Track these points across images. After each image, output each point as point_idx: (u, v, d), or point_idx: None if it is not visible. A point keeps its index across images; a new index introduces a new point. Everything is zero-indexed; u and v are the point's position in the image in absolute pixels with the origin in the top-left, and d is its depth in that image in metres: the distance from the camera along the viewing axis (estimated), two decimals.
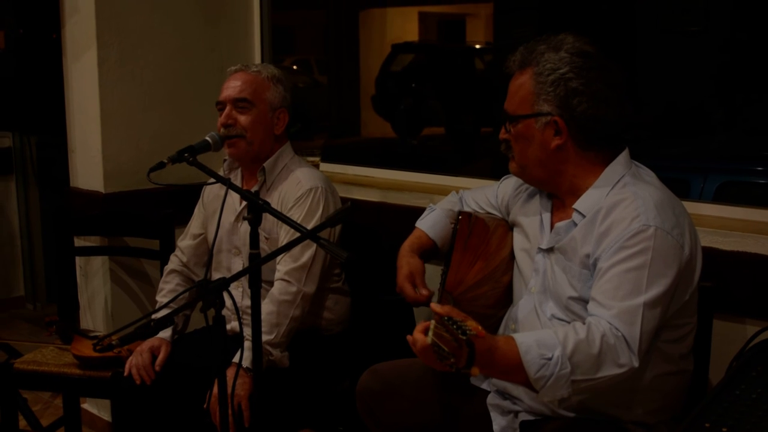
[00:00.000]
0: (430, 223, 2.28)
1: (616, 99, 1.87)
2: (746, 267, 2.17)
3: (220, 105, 2.59)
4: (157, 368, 2.53)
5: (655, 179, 1.91)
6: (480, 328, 1.54)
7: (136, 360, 2.53)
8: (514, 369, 1.66)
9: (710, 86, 2.96)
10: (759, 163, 2.89)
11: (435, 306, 1.63)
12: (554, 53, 1.87)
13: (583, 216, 1.86)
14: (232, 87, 2.58)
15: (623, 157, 1.91)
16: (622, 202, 1.81)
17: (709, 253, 2.07)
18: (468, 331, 1.51)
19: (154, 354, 2.56)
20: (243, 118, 2.55)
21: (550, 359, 1.65)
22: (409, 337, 1.71)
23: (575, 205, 1.89)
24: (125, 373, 2.54)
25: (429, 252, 2.26)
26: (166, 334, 2.60)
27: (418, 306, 2.18)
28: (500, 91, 2.01)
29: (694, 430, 1.42)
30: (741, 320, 2.19)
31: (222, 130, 2.54)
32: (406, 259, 2.20)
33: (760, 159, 2.89)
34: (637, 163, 1.94)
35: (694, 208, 2.36)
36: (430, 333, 1.59)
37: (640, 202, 1.79)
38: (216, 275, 2.70)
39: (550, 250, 1.94)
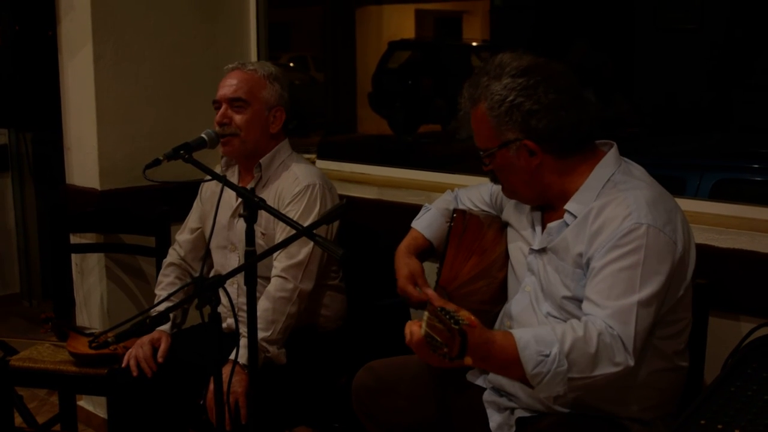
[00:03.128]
0: (426, 223, 2.28)
1: (572, 99, 1.86)
2: (741, 264, 2.17)
3: (217, 104, 2.60)
4: (159, 359, 2.52)
5: (646, 175, 1.91)
6: (473, 318, 1.55)
7: (137, 352, 2.53)
8: (511, 364, 1.66)
9: (707, 84, 2.96)
10: (755, 160, 2.90)
11: (433, 295, 1.63)
12: (497, 82, 1.87)
13: (575, 216, 1.86)
14: (228, 86, 2.58)
15: (612, 154, 1.91)
16: (613, 201, 1.81)
17: (705, 250, 2.07)
18: (460, 321, 1.53)
19: (154, 346, 2.55)
20: (238, 118, 2.56)
21: (547, 356, 1.65)
22: (405, 328, 1.71)
23: (566, 206, 1.89)
24: (123, 365, 2.53)
25: (425, 252, 2.26)
26: (165, 327, 2.60)
27: (421, 309, 2.18)
28: None
29: (689, 426, 1.42)
30: (736, 317, 2.19)
31: (217, 128, 2.55)
32: (405, 261, 2.19)
33: (756, 157, 2.89)
34: (626, 159, 1.94)
35: (689, 205, 2.37)
36: (423, 324, 1.60)
37: (632, 200, 1.78)
38: (213, 272, 2.70)
39: (542, 250, 1.94)
